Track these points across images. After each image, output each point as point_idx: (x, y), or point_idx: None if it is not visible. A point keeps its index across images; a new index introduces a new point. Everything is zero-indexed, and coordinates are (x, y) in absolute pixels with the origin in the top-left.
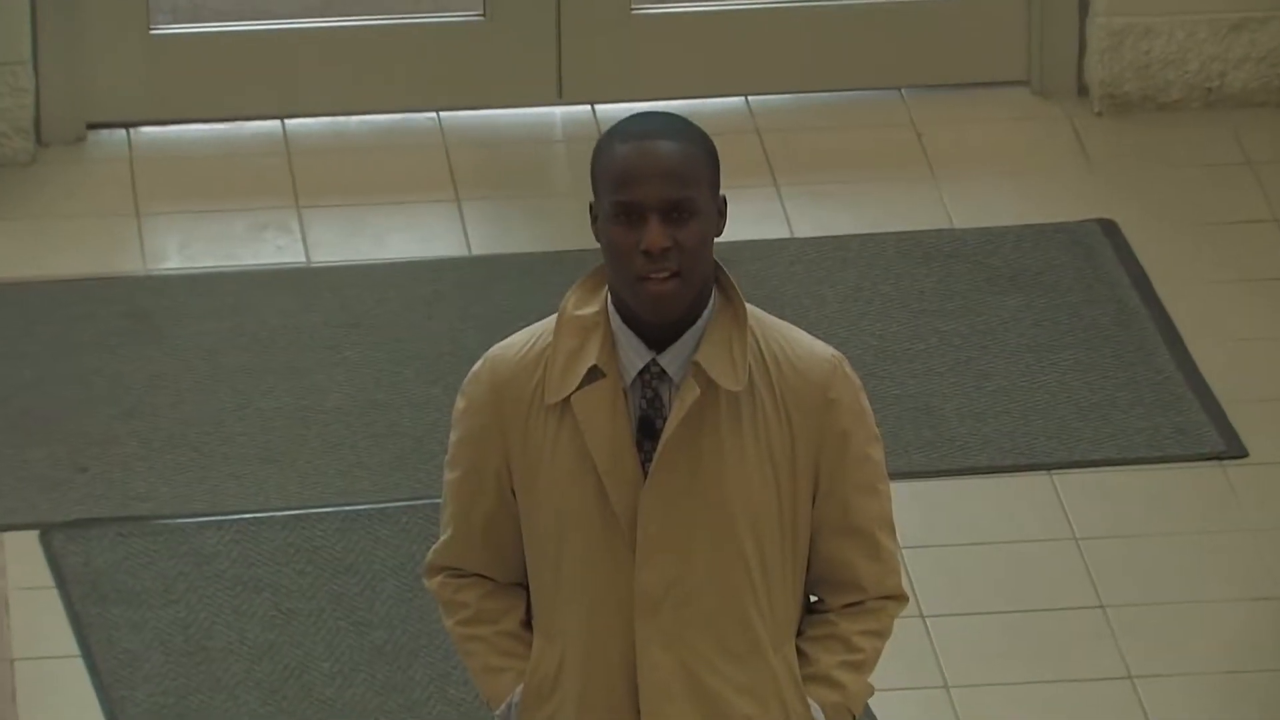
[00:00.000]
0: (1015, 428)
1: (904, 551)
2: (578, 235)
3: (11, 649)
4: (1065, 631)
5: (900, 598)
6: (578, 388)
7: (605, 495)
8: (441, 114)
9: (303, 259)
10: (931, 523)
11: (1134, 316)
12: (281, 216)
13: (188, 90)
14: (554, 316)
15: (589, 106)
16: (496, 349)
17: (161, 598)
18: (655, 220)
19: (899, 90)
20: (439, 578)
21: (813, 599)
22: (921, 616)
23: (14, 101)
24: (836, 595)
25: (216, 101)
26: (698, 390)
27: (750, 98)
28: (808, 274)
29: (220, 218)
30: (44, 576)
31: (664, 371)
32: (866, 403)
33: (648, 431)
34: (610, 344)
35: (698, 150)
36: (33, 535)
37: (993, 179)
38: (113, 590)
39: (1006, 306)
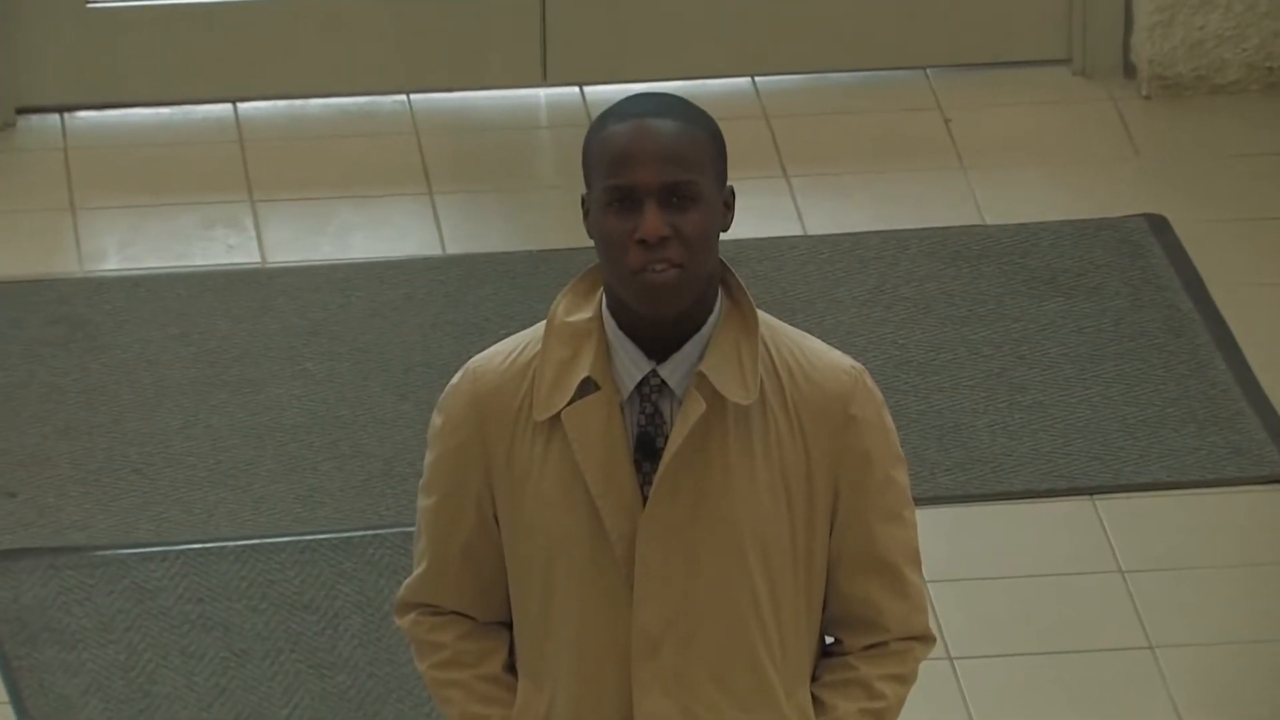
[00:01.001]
0: (1054, 447)
1: (930, 586)
2: (565, 232)
3: None
4: (1109, 674)
5: (927, 638)
6: (569, 402)
7: (599, 522)
8: (412, 97)
9: (257, 259)
10: (960, 554)
11: (1186, 323)
12: (233, 212)
13: (129, 71)
14: (542, 324)
15: (577, 89)
16: (477, 360)
17: (100, 637)
18: (653, 206)
19: (924, 70)
20: (412, 615)
21: (829, 640)
22: (949, 658)
23: None
24: (856, 636)
25: (161, 83)
26: (703, 404)
27: (757, 79)
28: (821, 275)
29: (165, 213)
30: None
31: (665, 384)
32: (890, 420)
33: (647, 451)
34: (605, 354)
35: (701, 132)
36: None
37: (1029, 170)
38: (45, 629)
39: (1044, 312)
